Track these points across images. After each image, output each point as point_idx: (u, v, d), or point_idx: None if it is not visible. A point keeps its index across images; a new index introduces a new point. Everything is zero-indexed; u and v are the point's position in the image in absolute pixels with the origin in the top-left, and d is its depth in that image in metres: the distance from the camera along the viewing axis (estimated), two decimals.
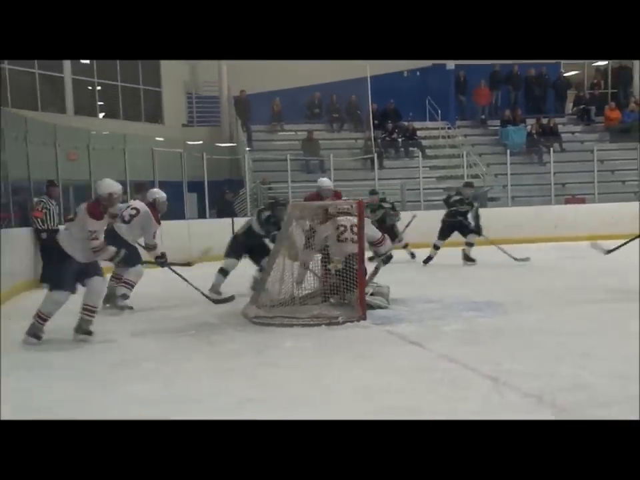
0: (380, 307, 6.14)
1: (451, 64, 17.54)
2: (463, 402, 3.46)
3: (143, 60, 14.53)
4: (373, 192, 11.13)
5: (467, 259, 9.71)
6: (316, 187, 8.10)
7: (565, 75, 18.91)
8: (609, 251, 7.04)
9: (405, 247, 10.71)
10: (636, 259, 9.52)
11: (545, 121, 17.10)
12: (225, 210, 13.46)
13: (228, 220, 11.64)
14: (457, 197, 9.95)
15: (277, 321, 5.66)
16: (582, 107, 18.15)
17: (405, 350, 4.74)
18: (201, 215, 13.25)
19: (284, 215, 6.96)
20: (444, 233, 9.93)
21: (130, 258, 6.51)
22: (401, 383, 3.88)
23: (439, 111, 17.89)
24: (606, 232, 11.79)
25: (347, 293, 5.98)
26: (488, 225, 10.13)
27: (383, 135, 16.66)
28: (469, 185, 10.40)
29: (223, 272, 7.39)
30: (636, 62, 18.64)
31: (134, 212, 6.72)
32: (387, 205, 10.73)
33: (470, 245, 9.76)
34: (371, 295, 6.18)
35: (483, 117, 17.73)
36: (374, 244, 6.54)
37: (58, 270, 5.35)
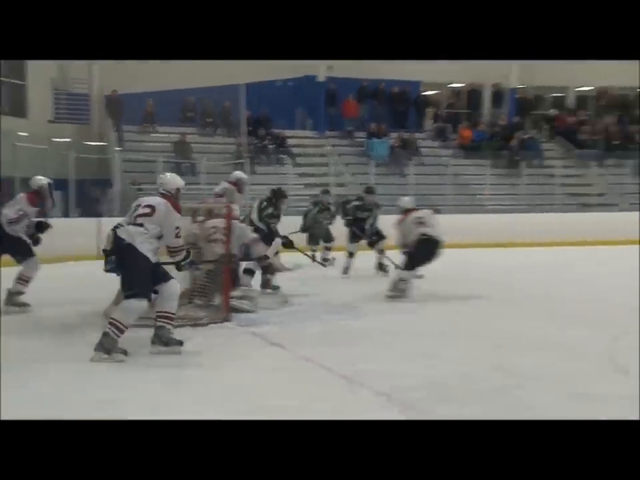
0: (247, 311, 6.25)
1: (321, 76, 18.04)
2: (319, 401, 3.65)
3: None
4: (370, 190, 10.01)
5: (381, 267, 9.18)
6: (235, 178, 8.05)
7: (424, 93, 19.96)
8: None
9: (328, 249, 10.57)
10: (484, 266, 10.32)
11: (406, 135, 17.96)
12: (90, 209, 13.11)
13: (93, 219, 11.37)
14: (357, 203, 9.62)
15: (140, 322, 5.64)
16: (439, 124, 19.24)
17: (266, 351, 4.91)
18: (65, 213, 12.80)
19: (284, 206, 7.50)
20: (354, 238, 9.42)
21: (20, 252, 6.34)
22: (261, 383, 4.04)
23: (310, 121, 18.38)
24: (456, 240, 12.64)
25: (216, 294, 6.07)
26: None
27: (255, 142, 16.85)
28: (370, 190, 9.82)
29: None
30: (486, 86, 20.06)
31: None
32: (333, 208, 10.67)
33: (381, 252, 9.29)
34: (239, 299, 6.33)
35: (350, 128, 18.35)
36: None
37: (134, 273, 4.60)
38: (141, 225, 4.67)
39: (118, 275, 4.75)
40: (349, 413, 3.44)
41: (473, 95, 20.12)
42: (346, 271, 9.25)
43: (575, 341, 5.10)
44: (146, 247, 4.62)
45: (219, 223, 6.31)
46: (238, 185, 7.89)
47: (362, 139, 18.08)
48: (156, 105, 16.40)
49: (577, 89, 21.39)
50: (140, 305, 4.60)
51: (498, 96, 19.93)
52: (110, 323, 4.57)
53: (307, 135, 18.19)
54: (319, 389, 3.91)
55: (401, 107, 18.77)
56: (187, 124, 17.01)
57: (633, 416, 3.26)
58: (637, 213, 15.84)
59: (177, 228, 4.74)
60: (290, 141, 17.46)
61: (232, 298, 6.15)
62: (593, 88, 21.23)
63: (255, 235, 6.76)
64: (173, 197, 4.88)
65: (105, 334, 4.53)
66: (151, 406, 3.58)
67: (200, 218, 6.53)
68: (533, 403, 3.60)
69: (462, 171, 17.13)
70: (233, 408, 3.51)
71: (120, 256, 4.66)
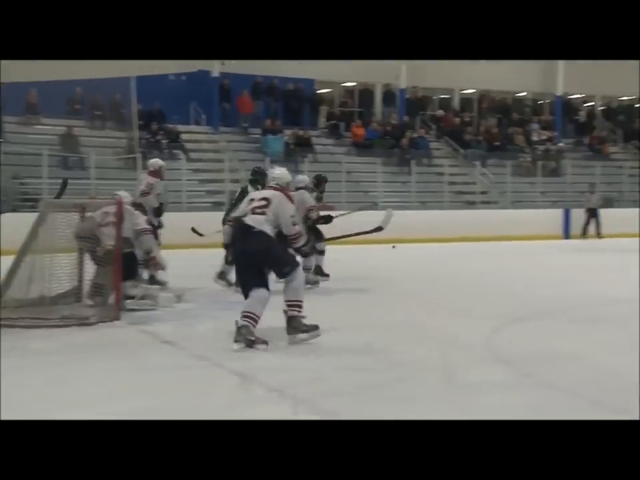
0: (149, 310, 6.17)
1: (215, 71, 17.87)
2: (209, 398, 3.65)
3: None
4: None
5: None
6: (157, 166, 7.88)
7: (318, 91, 20.19)
8: None
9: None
10: (374, 261, 10.59)
11: (301, 132, 18.10)
12: None
13: None
14: None
15: (23, 322, 5.44)
16: (333, 122, 19.50)
17: (157, 349, 4.85)
18: None
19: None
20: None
21: None
22: (151, 382, 3.98)
23: (204, 116, 18.16)
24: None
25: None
26: None
27: (148, 136, 16.47)
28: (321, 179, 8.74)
29: None
30: (378, 85, 20.55)
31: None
32: None
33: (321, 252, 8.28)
34: (140, 299, 6.23)
35: (245, 125, 18.29)
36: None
37: (279, 252, 4.89)
38: (262, 213, 4.87)
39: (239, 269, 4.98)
40: (241, 409, 3.45)
41: (365, 94, 20.54)
42: None
43: (457, 331, 5.33)
44: (272, 232, 4.86)
45: (110, 208, 6.14)
46: (160, 173, 7.85)
47: (257, 136, 18.08)
48: (40, 95, 15.69)
49: (461, 91, 22.33)
50: (267, 294, 4.78)
51: (389, 96, 20.46)
52: (248, 317, 4.68)
53: (201, 130, 17.99)
54: (210, 387, 3.90)
55: (296, 104, 18.92)
56: (74, 116, 16.42)
57: (519, 404, 3.45)
58: (515, 211, 16.88)
59: (292, 217, 4.97)
60: (184, 136, 17.20)
61: (132, 298, 6.06)
62: (475, 91, 22.25)
63: (146, 226, 6.64)
64: (285, 190, 5.12)
65: (243, 328, 4.64)
66: (37, 406, 3.47)
67: (89, 214, 6.36)
68: (415, 393, 3.74)
69: (355, 169, 17.47)
70: (117, 408, 3.43)
71: (253, 244, 4.82)
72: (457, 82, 21.10)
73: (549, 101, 22.96)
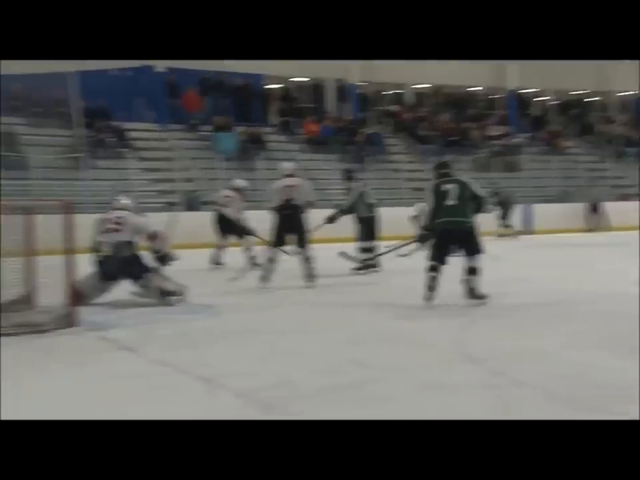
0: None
1: (160, 66, 17.39)
2: (174, 405, 3.48)
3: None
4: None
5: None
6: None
7: (267, 87, 19.89)
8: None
9: None
10: (332, 263, 10.46)
11: (252, 129, 17.80)
12: None
13: None
14: None
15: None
16: (284, 118, 19.23)
17: (116, 356, 4.64)
18: None
19: None
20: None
21: None
22: (111, 390, 3.78)
23: (151, 113, 17.71)
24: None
25: None
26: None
27: (92, 134, 15.99)
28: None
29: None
30: (329, 80, 20.38)
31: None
32: None
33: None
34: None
35: (195, 122, 17.92)
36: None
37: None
38: None
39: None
40: (209, 416, 3.30)
41: (316, 90, 20.37)
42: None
43: (424, 331, 5.24)
44: None
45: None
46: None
47: (207, 133, 17.73)
48: None
49: (413, 87, 22.33)
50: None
51: (341, 91, 20.33)
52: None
53: (149, 127, 17.52)
54: (174, 394, 3.73)
55: (245, 100, 18.61)
56: (12, 113, 15.73)
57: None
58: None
59: None
60: (131, 134, 16.77)
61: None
62: (427, 86, 22.26)
63: (154, 228, 6.76)
64: None
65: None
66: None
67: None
68: (389, 395, 3.63)
69: (311, 166, 17.34)
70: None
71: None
72: (408, 77, 21.09)
73: (501, 95, 23.01)
